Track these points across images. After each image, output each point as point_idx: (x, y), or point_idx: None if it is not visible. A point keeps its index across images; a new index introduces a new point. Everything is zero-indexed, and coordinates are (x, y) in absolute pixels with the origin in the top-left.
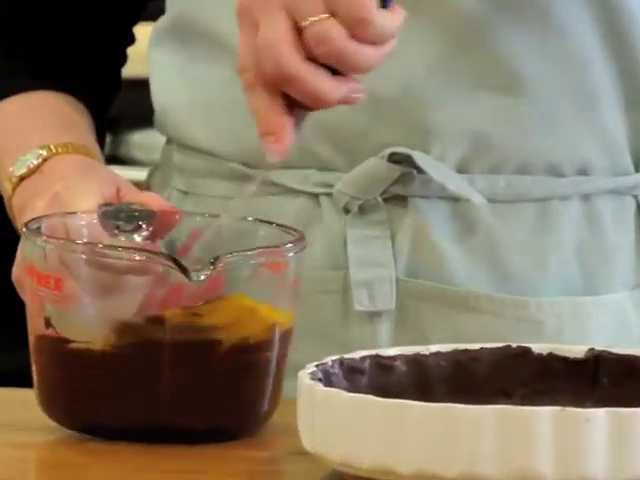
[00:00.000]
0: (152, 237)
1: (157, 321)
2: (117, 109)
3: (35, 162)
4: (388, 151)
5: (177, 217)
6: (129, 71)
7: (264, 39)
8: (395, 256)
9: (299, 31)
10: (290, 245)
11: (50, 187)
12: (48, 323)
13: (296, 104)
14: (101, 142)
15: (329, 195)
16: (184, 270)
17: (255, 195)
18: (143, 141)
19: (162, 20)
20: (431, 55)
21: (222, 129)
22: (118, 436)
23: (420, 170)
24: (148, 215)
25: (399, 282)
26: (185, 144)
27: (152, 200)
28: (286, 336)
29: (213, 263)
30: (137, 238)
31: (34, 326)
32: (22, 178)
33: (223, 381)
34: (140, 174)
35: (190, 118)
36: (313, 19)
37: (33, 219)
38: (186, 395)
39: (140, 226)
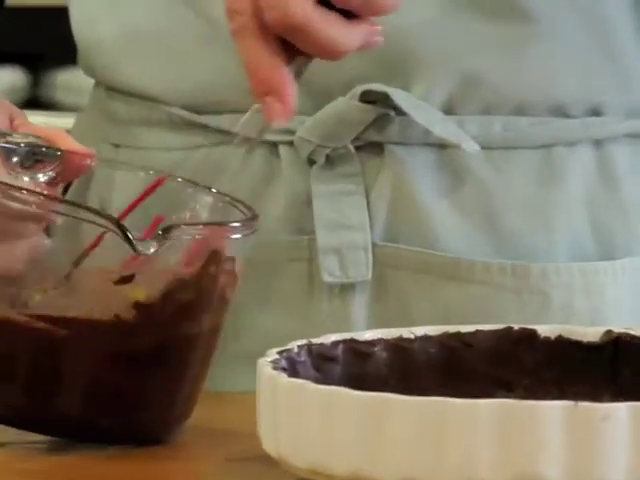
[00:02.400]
0: (55, 180)
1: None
2: (38, 43)
3: None
4: (360, 89)
5: (89, 161)
6: None
7: None
8: (371, 217)
9: None
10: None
11: None
12: None
13: (297, 52)
14: None
15: (290, 144)
16: (129, 240)
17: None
18: (69, 82)
19: None
20: None
21: (158, 66)
22: (13, 423)
23: (399, 111)
24: (54, 153)
25: (376, 248)
26: (115, 87)
27: (58, 136)
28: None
29: (164, 234)
30: (41, 178)
31: None
32: None
33: (134, 367)
34: (66, 121)
35: (119, 54)
36: None
37: None
38: (86, 383)
39: (44, 165)
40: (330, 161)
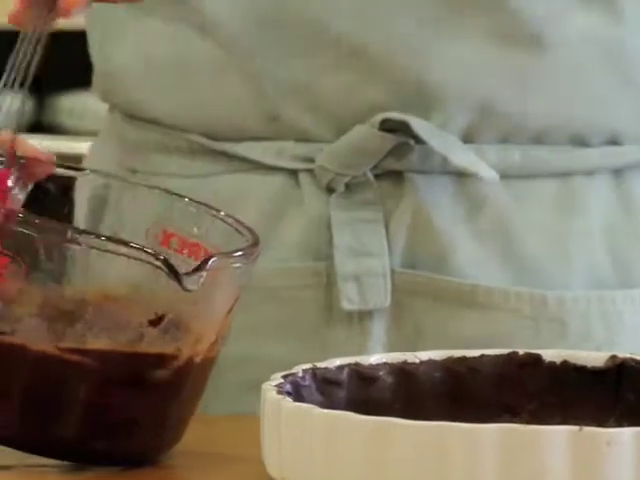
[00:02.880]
0: (18, 188)
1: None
2: (42, 67)
3: None
4: (380, 117)
5: (48, 167)
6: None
7: None
8: (390, 244)
9: None
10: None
11: None
12: None
13: None
14: None
15: (310, 171)
16: (177, 277)
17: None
18: (73, 106)
19: None
20: (430, 1)
21: (175, 94)
22: (13, 445)
23: (418, 140)
24: (12, 159)
25: (394, 275)
26: (133, 113)
27: (19, 144)
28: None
29: (203, 266)
30: None
31: None
32: None
33: (129, 392)
34: (70, 145)
35: (136, 82)
36: None
37: None
38: (83, 406)
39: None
40: (349, 189)
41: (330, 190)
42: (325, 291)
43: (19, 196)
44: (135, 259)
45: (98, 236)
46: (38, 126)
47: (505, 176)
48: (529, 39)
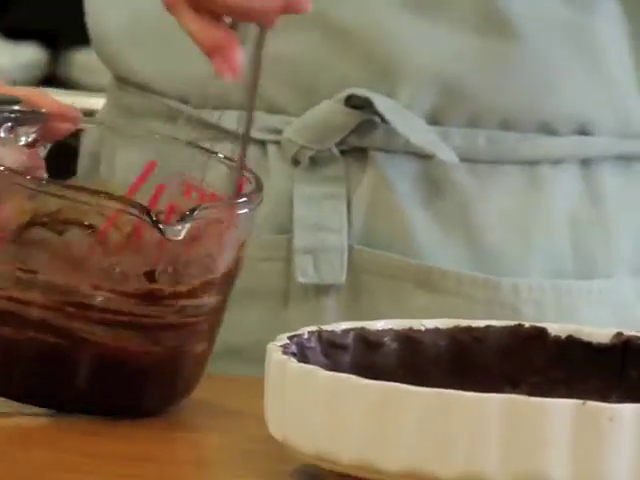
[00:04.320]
0: (37, 142)
1: None
2: (55, 21)
3: None
4: (346, 93)
5: (72, 122)
6: None
7: None
8: (350, 220)
9: None
10: (250, 197)
11: None
12: None
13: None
14: None
15: (277, 143)
16: (159, 228)
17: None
18: (87, 61)
19: None
20: None
21: (158, 58)
22: (17, 397)
23: (384, 118)
24: (36, 115)
25: (352, 251)
26: (121, 76)
27: (39, 98)
28: (223, 289)
29: (190, 216)
30: (22, 141)
31: None
32: None
33: (139, 342)
34: (85, 101)
35: (123, 45)
36: None
37: None
38: (92, 358)
39: (27, 128)
40: (314, 163)
41: (295, 163)
42: (285, 264)
43: (40, 152)
44: (120, 211)
45: (87, 191)
46: (52, 80)
47: (470, 160)
48: (499, 25)
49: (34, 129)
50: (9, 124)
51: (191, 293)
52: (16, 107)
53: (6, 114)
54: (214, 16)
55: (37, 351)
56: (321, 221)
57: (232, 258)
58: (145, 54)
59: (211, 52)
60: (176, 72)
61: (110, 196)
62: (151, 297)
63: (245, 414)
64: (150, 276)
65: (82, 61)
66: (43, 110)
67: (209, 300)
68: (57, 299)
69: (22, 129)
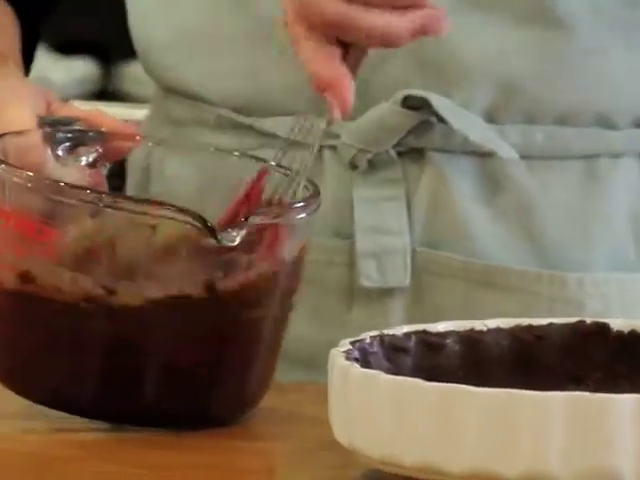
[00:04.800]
0: (98, 162)
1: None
2: (108, 33)
3: None
4: (402, 94)
5: (132, 142)
6: None
7: None
8: (410, 222)
9: None
10: (305, 203)
11: None
12: (27, 278)
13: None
14: (27, 58)
15: (333, 148)
16: (214, 235)
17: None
18: (139, 74)
19: None
20: None
21: (209, 66)
22: (81, 412)
23: (440, 118)
24: (97, 135)
25: (415, 254)
26: (168, 86)
27: (99, 117)
28: (286, 294)
29: (245, 222)
30: (84, 161)
31: None
32: None
33: (205, 353)
34: (136, 112)
35: (170, 55)
36: None
37: None
38: (161, 369)
39: (88, 148)
40: (372, 166)
41: (353, 167)
42: (348, 269)
43: (102, 171)
44: (172, 219)
45: (141, 201)
46: (105, 93)
47: (528, 157)
48: (553, 21)
49: (94, 149)
50: (68, 144)
51: (253, 300)
52: (76, 127)
53: (66, 134)
54: (334, 39)
55: (104, 366)
56: (382, 224)
57: (292, 263)
58: (193, 64)
59: (325, 88)
60: (225, 81)
61: (165, 205)
62: (213, 306)
63: (310, 420)
64: (210, 285)
65: (133, 73)
66: (103, 129)
67: (272, 306)
68: (121, 314)
69: (83, 149)
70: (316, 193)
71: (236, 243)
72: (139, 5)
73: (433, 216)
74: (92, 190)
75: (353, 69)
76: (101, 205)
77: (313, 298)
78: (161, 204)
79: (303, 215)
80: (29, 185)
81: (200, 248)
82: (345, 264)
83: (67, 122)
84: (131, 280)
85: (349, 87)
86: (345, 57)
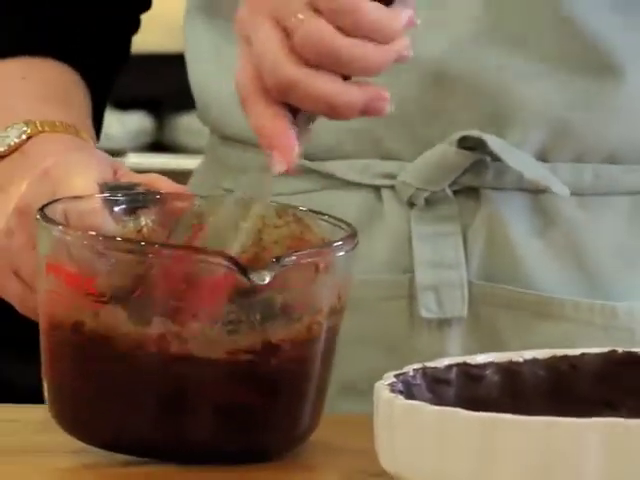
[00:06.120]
0: (160, 222)
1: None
2: (160, 88)
3: (17, 140)
4: (458, 135)
5: (187, 201)
6: (173, 45)
7: (255, 51)
8: (467, 256)
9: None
10: (341, 243)
11: (34, 167)
12: (79, 328)
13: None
14: (97, 126)
15: (391, 188)
16: (245, 273)
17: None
18: (190, 125)
19: None
20: (507, 26)
21: None
22: (141, 453)
23: (494, 157)
24: (155, 197)
25: (471, 286)
26: (228, 135)
27: (157, 181)
28: (330, 340)
29: (276, 262)
30: (143, 222)
31: (54, 331)
32: (0, 156)
33: (256, 392)
34: (189, 162)
35: (232, 107)
36: (297, 19)
37: (45, 205)
38: (215, 410)
39: (147, 210)
40: (429, 204)
41: (410, 205)
42: (407, 301)
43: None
44: (205, 262)
45: (174, 247)
46: (159, 145)
47: (578, 193)
48: (606, 67)
49: (154, 210)
50: (128, 207)
51: (299, 341)
52: (136, 191)
53: (126, 198)
54: (283, 103)
55: (160, 409)
56: (440, 258)
57: (333, 300)
58: None
59: (268, 146)
60: None
61: (200, 250)
62: (261, 347)
63: (358, 451)
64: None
65: (185, 125)
66: (161, 192)
67: (318, 345)
68: (176, 359)
69: (142, 211)
70: (353, 233)
71: (265, 282)
72: (199, 62)
73: (488, 250)
74: (133, 240)
75: (302, 129)
76: (144, 254)
77: (375, 331)
78: (196, 250)
79: (342, 254)
80: (84, 243)
81: (238, 290)
82: (405, 297)
83: (128, 187)
84: (182, 326)
85: (293, 147)
86: (295, 117)
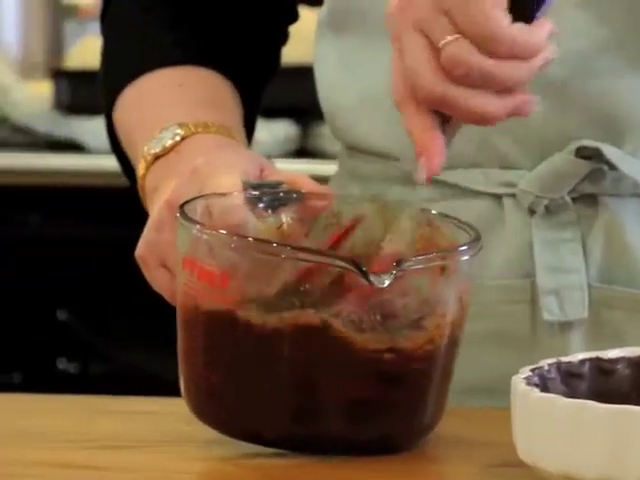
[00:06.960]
0: (299, 220)
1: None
2: (305, 98)
3: (171, 141)
4: (575, 145)
5: (327, 201)
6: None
7: (406, 63)
8: (586, 261)
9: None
10: (465, 248)
11: (186, 165)
12: (215, 324)
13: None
14: (249, 133)
15: (512, 196)
16: (366, 276)
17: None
18: None
19: (321, 11)
20: (621, 40)
21: (394, 126)
22: (279, 445)
23: (611, 166)
24: (296, 196)
25: (591, 289)
26: (354, 146)
27: (300, 180)
28: (453, 341)
29: (397, 266)
30: (284, 219)
31: (189, 325)
32: (157, 157)
33: (385, 385)
34: (331, 168)
35: (357, 117)
36: (444, 41)
37: (186, 202)
38: (346, 402)
39: (288, 207)
40: (549, 211)
41: (531, 212)
42: (530, 305)
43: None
44: (331, 265)
45: (302, 250)
46: (303, 151)
47: None
48: None
49: (295, 208)
50: (271, 205)
51: (422, 339)
52: (279, 189)
53: (268, 196)
54: (435, 112)
55: (293, 401)
56: (560, 263)
57: (456, 303)
58: (378, 125)
59: (418, 156)
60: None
61: (321, 252)
62: (389, 346)
63: (487, 443)
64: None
65: (328, 132)
66: (303, 191)
67: (440, 345)
68: (311, 353)
69: (284, 208)
70: (477, 237)
71: (385, 285)
72: (326, 74)
73: (607, 254)
74: (265, 241)
75: (449, 137)
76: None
77: (498, 334)
78: (315, 252)
79: (466, 257)
80: (219, 241)
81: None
82: (527, 301)
83: (272, 185)
84: (317, 324)
85: (440, 155)
86: (444, 125)
